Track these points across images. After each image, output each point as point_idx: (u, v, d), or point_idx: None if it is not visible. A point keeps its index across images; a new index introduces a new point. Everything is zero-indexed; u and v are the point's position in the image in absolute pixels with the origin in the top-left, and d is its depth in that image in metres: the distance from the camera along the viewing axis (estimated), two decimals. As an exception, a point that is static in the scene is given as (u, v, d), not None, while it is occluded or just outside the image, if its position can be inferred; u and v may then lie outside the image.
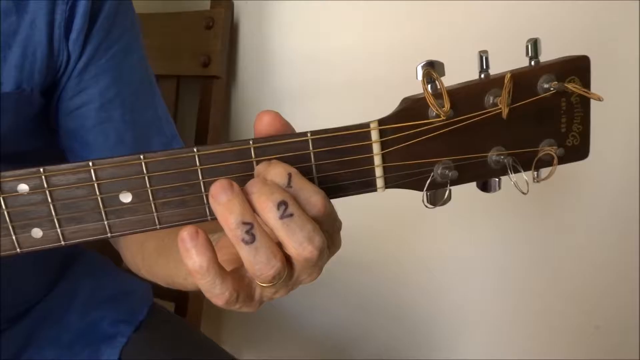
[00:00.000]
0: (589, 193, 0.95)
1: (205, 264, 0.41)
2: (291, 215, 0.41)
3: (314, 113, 1.09)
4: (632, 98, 0.88)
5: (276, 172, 0.42)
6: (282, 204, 0.41)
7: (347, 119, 1.07)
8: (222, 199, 0.41)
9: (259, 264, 0.41)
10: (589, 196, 0.96)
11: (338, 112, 1.06)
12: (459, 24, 0.95)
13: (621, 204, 0.95)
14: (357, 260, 1.07)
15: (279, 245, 0.42)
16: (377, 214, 1.04)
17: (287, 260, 0.43)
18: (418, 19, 0.98)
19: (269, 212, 0.41)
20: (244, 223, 0.41)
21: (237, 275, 0.44)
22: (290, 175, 0.42)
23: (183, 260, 0.42)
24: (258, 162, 0.44)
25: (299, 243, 0.41)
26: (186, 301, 1.12)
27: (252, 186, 0.42)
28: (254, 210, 0.41)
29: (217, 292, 0.43)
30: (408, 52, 0.98)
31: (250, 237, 0.41)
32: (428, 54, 0.95)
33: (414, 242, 1.11)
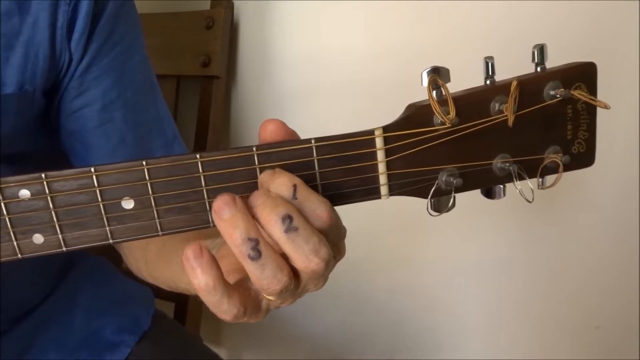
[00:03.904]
0: (589, 193, 0.95)
1: (212, 282, 0.41)
2: (296, 229, 0.40)
3: (314, 113, 1.09)
4: (632, 100, 0.87)
5: (280, 182, 0.42)
6: (286, 218, 0.40)
7: (348, 119, 1.08)
8: (225, 215, 0.40)
9: (266, 279, 0.41)
10: (589, 197, 0.95)
11: (338, 112, 1.06)
12: (459, 25, 0.94)
13: (621, 205, 0.95)
14: (358, 263, 1.07)
15: (285, 257, 0.42)
16: (379, 217, 1.04)
17: (294, 271, 0.42)
18: (419, 19, 0.97)
19: (273, 226, 0.40)
20: (250, 239, 0.40)
21: (243, 289, 0.44)
22: (295, 186, 0.42)
23: (189, 279, 0.42)
24: (262, 169, 0.44)
25: (305, 256, 0.41)
26: (186, 302, 1.12)
27: (256, 198, 0.41)
28: (258, 223, 0.41)
29: (224, 309, 0.43)
30: (409, 52, 0.98)
31: (256, 253, 0.40)
32: (428, 55, 0.96)
33: (415, 244, 1.10)
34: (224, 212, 0.40)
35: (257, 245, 0.40)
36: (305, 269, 0.42)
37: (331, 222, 0.42)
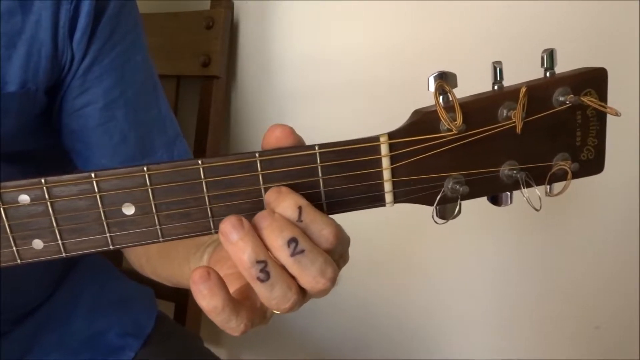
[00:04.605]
0: (589, 194, 0.95)
1: (220, 304, 0.41)
2: (302, 251, 0.41)
3: (314, 113, 1.08)
4: (632, 100, 0.87)
5: (286, 205, 0.42)
6: (292, 241, 0.40)
7: (348, 119, 1.07)
8: (233, 238, 0.40)
9: (275, 298, 0.41)
10: (588, 197, 0.95)
11: (338, 112, 1.06)
12: (460, 25, 0.94)
13: (621, 205, 0.94)
14: (357, 264, 1.06)
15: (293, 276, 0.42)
16: (377, 220, 1.03)
17: (301, 287, 0.43)
18: (419, 19, 0.97)
19: (279, 250, 0.41)
20: (258, 262, 0.40)
21: (249, 303, 0.44)
22: (300, 208, 0.42)
23: (196, 301, 0.42)
24: (264, 176, 0.43)
25: (312, 277, 0.41)
26: (186, 302, 1.12)
27: (262, 220, 0.41)
28: (265, 245, 0.41)
29: (232, 326, 0.43)
30: (409, 52, 0.97)
31: (265, 275, 0.40)
32: (429, 55, 0.95)
33: (415, 246, 1.10)
34: (232, 236, 0.41)
35: (266, 267, 0.40)
36: (312, 289, 0.42)
37: (337, 241, 0.42)
